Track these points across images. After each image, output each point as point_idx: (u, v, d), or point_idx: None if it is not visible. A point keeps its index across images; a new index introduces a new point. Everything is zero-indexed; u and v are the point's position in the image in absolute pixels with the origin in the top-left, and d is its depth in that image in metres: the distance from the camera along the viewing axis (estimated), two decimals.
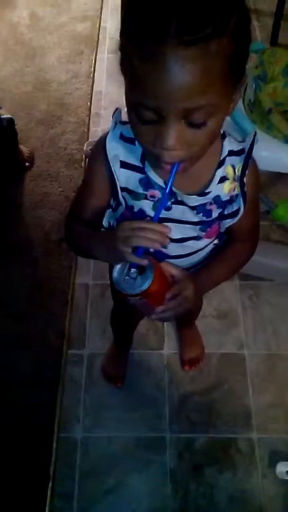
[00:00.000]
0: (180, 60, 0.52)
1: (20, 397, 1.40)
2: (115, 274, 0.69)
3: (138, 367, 1.46)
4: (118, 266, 0.70)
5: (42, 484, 1.27)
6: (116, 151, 0.74)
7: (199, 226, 0.79)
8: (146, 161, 0.73)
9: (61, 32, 2.40)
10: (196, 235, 0.81)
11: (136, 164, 0.74)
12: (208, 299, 1.51)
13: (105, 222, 0.86)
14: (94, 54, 2.29)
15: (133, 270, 0.68)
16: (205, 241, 0.84)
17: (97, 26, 2.41)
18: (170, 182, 0.65)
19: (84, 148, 1.94)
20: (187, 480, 1.28)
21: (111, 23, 2.42)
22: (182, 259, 0.85)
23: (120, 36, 0.57)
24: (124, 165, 0.75)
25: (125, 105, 0.68)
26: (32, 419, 1.37)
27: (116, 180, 0.75)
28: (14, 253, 1.69)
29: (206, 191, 0.75)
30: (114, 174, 0.75)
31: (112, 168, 0.75)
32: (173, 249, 0.83)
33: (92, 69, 2.23)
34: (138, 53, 0.54)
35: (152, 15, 0.52)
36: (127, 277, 0.68)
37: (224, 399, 1.40)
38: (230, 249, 0.87)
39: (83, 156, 1.93)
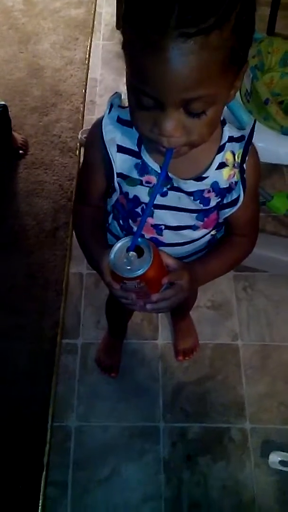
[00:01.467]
0: (179, 52, 0.52)
1: (14, 387, 1.40)
2: (112, 256, 0.68)
3: (132, 357, 1.46)
4: (115, 249, 0.68)
5: (36, 472, 1.28)
6: (112, 134, 0.73)
7: (195, 214, 0.79)
8: (142, 146, 0.72)
9: (56, 18, 2.36)
10: (193, 224, 0.80)
11: (133, 149, 0.74)
12: (202, 289, 1.51)
13: (109, 208, 0.86)
14: (89, 41, 2.26)
15: (131, 253, 0.67)
16: (202, 231, 0.83)
17: (92, 12, 2.38)
18: (165, 167, 0.65)
19: (79, 136, 1.92)
20: (180, 469, 1.29)
21: (107, 9, 2.38)
22: (177, 247, 0.84)
23: (123, 19, 0.56)
24: (120, 149, 0.74)
25: (121, 91, 0.68)
26: (26, 409, 1.37)
27: (113, 164, 0.74)
28: (7, 243, 1.68)
29: (204, 175, 0.74)
30: (111, 158, 0.74)
31: (109, 152, 0.74)
32: (168, 236, 0.82)
33: (87, 56, 2.20)
34: (139, 40, 0.54)
35: (153, 4, 0.51)
36: (125, 260, 0.67)
37: (217, 389, 1.41)
38: (228, 243, 0.86)
39: (78, 144, 1.91)
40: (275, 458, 1.27)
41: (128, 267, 0.66)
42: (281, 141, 1.26)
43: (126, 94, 0.63)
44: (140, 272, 0.66)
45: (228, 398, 1.40)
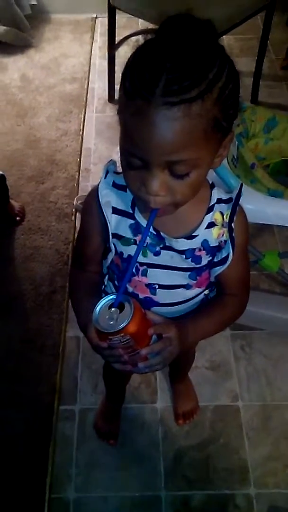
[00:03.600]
0: (163, 118, 0.57)
1: (9, 457, 1.36)
2: (95, 314, 0.69)
3: (131, 422, 1.43)
4: (98, 307, 0.70)
5: None
6: (108, 197, 0.78)
7: (188, 273, 0.81)
8: (136, 208, 0.77)
9: (51, 93, 2.49)
10: (186, 283, 0.82)
11: (127, 210, 0.78)
12: (200, 350, 1.50)
13: (104, 269, 0.88)
14: (83, 113, 2.38)
15: (113, 309, 0.69)
16: (195, 291, 0.85)
17: (85, 87, 2.52)
18: (149, 224, 0.69)
19: (74, 203, 1.98)
20: None
21: (99, 84, 2.52)
22: (171, 307, 0.85)
23: (119, 89, 0.62)
24: (115, 211, 0.78)
25: (114, 159, 0.73)
26: (22, 480, 1.32)
27: (109, 225, 0.78)
28: (4, 308, 1.68)
29: (194, 234, 0.77)
30: (107, 219, 0.78)
31: (105, 213, 0.78)
32: (162, 296, 0.84)
33: (81, 127, 2.31)
34: (129, 106, 0.60)
35: (143, 74, 0.57)
36: (107, 317, 0.68)
37: (220, 454, 1.37)
38: (218, 302, 0.88)
39: (73, 210, 1.97)
40: None
41: (111, 323, 0.68)
42: (269, 202, 1.31)
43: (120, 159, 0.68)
44: (122, 325, 0.67)
45: (231, 463, 1.36)
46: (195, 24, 0.59)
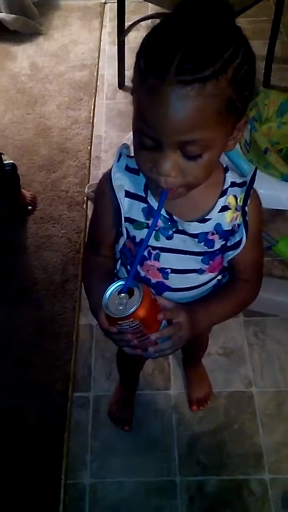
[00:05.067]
0: (176, 97, 0.56)
1: (24, 444, 1.38)
2: (105, 299, 0.69)
3: (145, 408, 1.44)
4: (108, 292, 0.70)
5: None
6: (121, 181, 0.77)
7: (201, 257, 0.80)
8: (149, 191, 0.76)
9: (61, 81, 2.48)
10: (198, 268, 0.82)
11: (140, 194, 0.77)
12: (213, 336, 1.50)
13: (117, 255, 0.88)
14: (93, 101, 2.36)
15: (123, 294, 0.69)
16: (208, 276, 0.84)
17: (95, 74, 2.50)
18: (160, 206, 0.68)
19: (86, 191, 1.97)
20: None
21: (109, 71, 2.51)
22: (184, 292, 0.85)
23: (133, 69, 0.62)
24: (128, 194, 0.78)
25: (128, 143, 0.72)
26: (37, 466, 1.34)
27: (121, 208, 0.78)
28: (18, 297, 1.69)
29: (207, 217, 0.76)
30: (120, 202, 0.77)
31: (118, 197, 0.77)
32: (174, 280, 0.83)
33: (92, 114, 2.30)
34: (142, 85, 0.59)
35: (158, 53, 0.57)
36: (117, 302, 0.69)
37: (234, 439, 1.38)
38: (231, 287, 0.87)
39: (85, 198, 1.96)
40: None
41: (120, 308, 0.68)
42: (282, 187, 1.29)
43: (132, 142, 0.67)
44: (131, 311, 0.67)
45: (245, 448, 1.36)
46: (213, 4, 0.58)
